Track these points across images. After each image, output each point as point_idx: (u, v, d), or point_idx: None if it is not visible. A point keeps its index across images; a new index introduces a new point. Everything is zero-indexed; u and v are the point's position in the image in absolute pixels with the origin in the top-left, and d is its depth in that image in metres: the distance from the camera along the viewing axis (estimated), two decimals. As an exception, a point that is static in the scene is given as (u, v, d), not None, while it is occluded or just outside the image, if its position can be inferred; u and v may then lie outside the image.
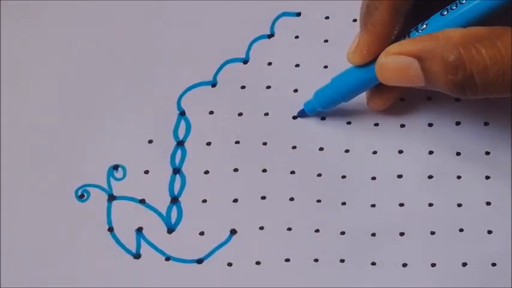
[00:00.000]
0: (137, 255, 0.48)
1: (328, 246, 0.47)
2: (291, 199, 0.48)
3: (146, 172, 0.49)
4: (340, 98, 0.47)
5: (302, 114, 0.49)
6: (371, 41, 0.43)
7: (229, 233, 0.48)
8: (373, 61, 0.44)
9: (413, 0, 0.43)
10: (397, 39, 0.43)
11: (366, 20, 0.43)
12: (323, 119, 0.49)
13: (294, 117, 0.50)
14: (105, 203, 0.49)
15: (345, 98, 0.47)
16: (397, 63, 0.41)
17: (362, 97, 0.48)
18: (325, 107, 0.48)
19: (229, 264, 0.47)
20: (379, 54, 0.43)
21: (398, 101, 0.49)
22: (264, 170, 0.49)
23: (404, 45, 0.42)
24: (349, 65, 0.46)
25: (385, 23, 0.43)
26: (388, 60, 0.42)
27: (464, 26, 0.40)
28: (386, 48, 0.42)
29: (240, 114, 0.50)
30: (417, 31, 0.43)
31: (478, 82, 0.39)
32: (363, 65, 0.44)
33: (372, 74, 0.44)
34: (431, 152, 0.48)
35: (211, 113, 0.50)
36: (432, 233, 0.47)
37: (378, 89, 0.46)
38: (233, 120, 0.50)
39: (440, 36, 0.40)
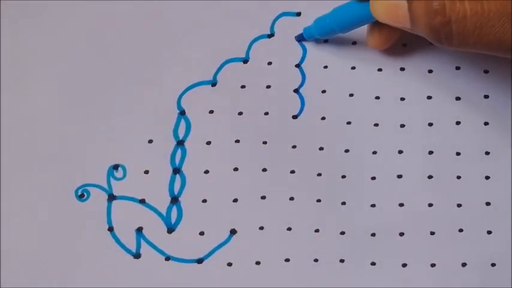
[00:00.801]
0: (137, 255, 0.48)
1: (328, 246, 0.47)
2: (291, 199, 0.48)
3: (146, 172, 0.49)
4: (338, 28, 0.48)
5: (300, 38, 0.50)
6: None
7: (229, 232, 0.48)
8: None
9: None
10: None
11: None
12: (323, 118, 0.49)
13: (294, 117, 0.49)
14: (105, 203, 0.49)
15: (342, 29, 0.48)
16: (389, 1, 0.43)
17: (366, 94, 0.49)
18: (323, 34, 0.49)
19: (229, 264, 0.47)
20: None
21: (398, 101, 0.49)
22: (264, 170, 0.49)
23: None
24: None
25: None
26: None
27: None
28: None
29: (240, 114, 0.50)
30: None
31: (454, 30, 0.40)
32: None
33: (368, 10, 0.45)
34: (431, 152, 0.48)
35: (211, 112, 0.50)
36: (432, 233, 0.47)
37: (377, 26, 0.47)
38: (233, 120, 0.50)
39: None
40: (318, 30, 0.49)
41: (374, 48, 0.49)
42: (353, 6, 0.47)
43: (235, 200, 0.48)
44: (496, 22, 0.39)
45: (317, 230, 0.47)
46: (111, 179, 0.49)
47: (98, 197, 0.49)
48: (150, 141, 0.50)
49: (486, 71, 0.49)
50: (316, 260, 0.47)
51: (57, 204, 0.49)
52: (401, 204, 0.47)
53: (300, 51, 0.51)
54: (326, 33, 0.49)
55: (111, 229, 0.48)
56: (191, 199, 0.48)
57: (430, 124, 0.49)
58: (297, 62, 0.51)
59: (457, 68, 0.50)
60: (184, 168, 0.49)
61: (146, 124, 0.50)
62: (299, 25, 0.52)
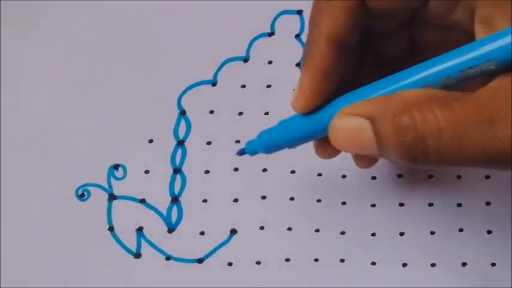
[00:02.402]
0: (137, 255, 0.48)
1: (328, 246, 0.47)
2: (291, 199, 0.48)
3: (147, 172, 0.49)
4: (285, 144, 0.41)
5: (242, 153, 0.44)
6: (313, 78, 0.38)
7: (229, 232, 0.48)
8: (321, 111, 0.39)
9: (356, 35, 0.39)
10: (347, 83, 0.40)
11: (306, 56, 0.39)
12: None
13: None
14: (106, 203, 0.49)
15: (290, 145, 0.42)
16: (349, 125, 0.36)
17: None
18: (268, 150, 0.42)
19: (230, 264, 0.47)
20: (324, 97, 0.39)
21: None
22: (264, 170, 0.49)
23: (357, 105, 0.36)
24: None
25: (325, 57, 0.38)
26: (340, 123, 0.37)
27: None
28: (340, 110, 0.37)
29: (241, 114, 0.50)
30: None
31: (431, 145, 0.34)
32: (311, 114, 0.39)
33: (320, 126, 0.39)
34: (431, 152, 0.48)
35: (211, 112, 0.50)
36: (432, 233, 0.47)
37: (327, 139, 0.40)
38: (233, 120, 0.50)
39: (395, 97, 0.35)
40: (262, 146, 0.42)
41: (324, 159, 0.43)
42: (301, 121, 0.40)
43: (235, 200, 0.48)
44: (476, 132, 0.33)
45: (317, 230, 0.47)
46: (112, 179, 0.49)
47: (99, 197, 0.49)
48: (151, 141, 0.50)
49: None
50: (316, 260, 0.47)
51: (57, 204, 0.49)
52: (401, 204, 0.47)
53: (301, 50, 0.51)
54: (272, 149, 0.42)
55: (111, 229, 0.48)
56: (191, 199, 0.48)
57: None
58: (297, 61, 0.51)
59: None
60: (185, 168, 0.49)
61: (146, 124, 0.50)
62: (299, 23, 0.52)
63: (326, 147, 0.41)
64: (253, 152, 0.43)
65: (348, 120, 0.36)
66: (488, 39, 0.34)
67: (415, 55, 0.40)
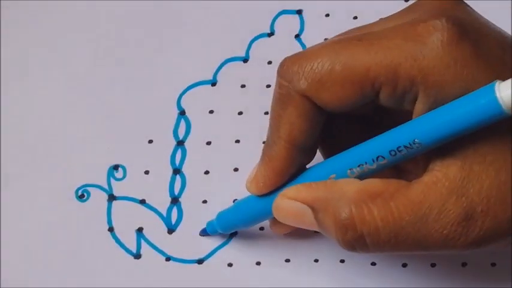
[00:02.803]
0: (137, 256, 0.48)
1: (328, 246, 0.47)
2: (291, 199, 0.48)
3: (146, 172, 0.49)
4: (241, 224, 0.45)
5: (204, 233, 0.48)
6: (267, 175, 0.41)
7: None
8: (274, 193, 0.42)
9: (313, 136, 0.41)
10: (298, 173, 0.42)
11: (264, 152, 0.42)
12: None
13: None
14: (105, 203, 0.49)
15: (246, 225, 0.45)
16: (292, 208, 0.40)
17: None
18: (226, 229, 0.46)
19: (230, 265, 0.47)
20: (277, 186, 0.42)
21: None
22: (264, 170, 0.48)
23: (300, 190, 0.40)
24: None
25: (282, 159, 0.41)
26: (283, 204, 0.40)
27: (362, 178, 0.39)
28: (283, 191, 0.41)
29: (240, 114, 0.50)
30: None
31: (369, 243, 0.38)
32: (264, 195, 0.42)
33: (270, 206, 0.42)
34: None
35: (211, 112, 0.50)
36: (432, 233, 0.47)
37: None
38: (233, 120, 0.50)
39: (335, 189, 0.38)
40: (220, 226, 0.46)
41: (278, 233, 0.46)
42: (255, 202, 0.43)
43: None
44: (411, 229, 0.37)
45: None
46: (111, 179, 0.49)
47: (98, 198, 0.49)
48: (150, 142, 0.50)
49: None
50: (316, 260, 0.47)
51: (57, 204, 0.49)
52: (401, 204, 0.47)
53: (301, 49, 0.51)
54: (228, 229, 0.46)
55: (111, 229, 0.48)
56: (191, 199, 0.48)
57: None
58: (297, 61, 0.51)
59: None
60: (185, 169, 0.49)
61: (146, 124, 0.50)
62: (299, 23, 0.52)
63: (280, 224, 0.43)
64: (214, 232, 0.47)
65: (291, 203, 0.40)
66: (415, 120, 0.37)
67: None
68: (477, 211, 0.36)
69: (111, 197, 0.49)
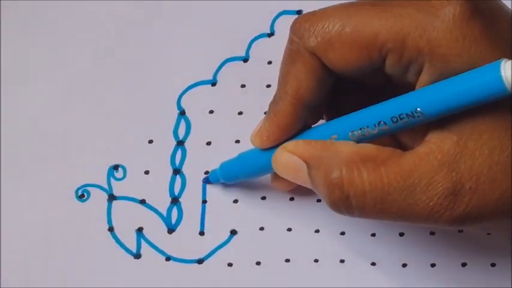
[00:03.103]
0: (137, 255, 0.48)
1: (328, 246, 0.47)
2: (291, 199, 0.48)
3: (146, 172, 0.49)
4: (243, 176, 0.46)
5: (207, 181, 0.49)
6: (271, 130, 0.42)
7: (229, 233, 0.48)
8: (276, 147, 0.42)
9: (320, 96, 0.41)
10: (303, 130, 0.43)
11: (270, 108, 0.42)
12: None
13: None
14: (105, 203, 0.49)
15: (248, 177, 0.46)
16: (289, 162, 0.41)
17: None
18: (228, 180, 0.47)
19: (230, 265, 0.47)
20: (279, 142, 0.42)
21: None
22: (264, 170, 0.49)
23: (299, 145, 0.40)
24: None
25: (287, 114, 0.41)
26: (282, 157, 0.41)
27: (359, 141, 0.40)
28: (284, 144, 0.41)
29: (240, 114, 0.50)
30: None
31: (354, 205, 0.38)
32: (267, 150, 0.43)
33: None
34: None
35: (211, 112, 0.50)
36: (432, 233, 0.47)
37: None
38: (233, 120, 0.50)
39: (332, 149, 0.39)
40: (223, 176, 0.47)
41: (278, 189, 0.47)
42: (258, 155, 0.44)
43: (235, 201, 0.48)
44: (398, 196, 0.37)
45: (317, 231, 0.47)
46: (111, 179, 0.49)
47: (98, 197, 0.49)
48: (150, 142, 0.50)
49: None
50: (316, 260, 0.47)
51: (57, 204, 0.49)
52: (401, 205, 0.47)
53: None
54: (231, 179, 0.47)
55: (111, 229, 0.48)
56: (191, 199, 0.48)
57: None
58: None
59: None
60: (185, 169, 0.49)
61: (146, 124, 0.50)
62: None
63: (280, 180, 0.44)
64: (216, 181, 0.48)
65: (288, 156, 0.40)
66: (419, 90, 0.38)
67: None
68: (465, 187, 0.36)
69: (111, 197, 0.49)
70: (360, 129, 0.39)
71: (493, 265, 0.46)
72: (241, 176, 0.46)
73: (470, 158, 0.36)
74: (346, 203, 0.38)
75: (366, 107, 0.40)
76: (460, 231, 0.47)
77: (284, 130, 0.42)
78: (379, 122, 0.39)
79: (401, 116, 0.38)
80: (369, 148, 0.39)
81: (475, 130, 0.37)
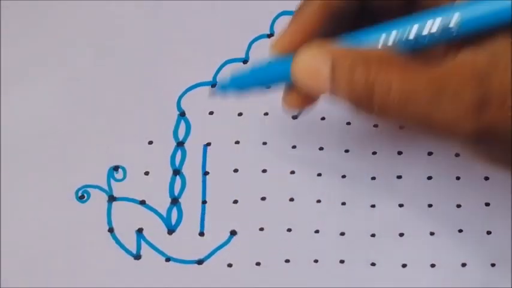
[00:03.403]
0: (137, 256, 0.48)
1: (328, 246, 0.47)
2: (291, 199, 0.48)
3: (146, 173, 0.49)
4: (255, 83, 0.43)
5: (214, 93, 0.46)
6: (295, 35, 0.40)
7: (229, 234, 0.48)
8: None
9: (349, 11, 0.40)
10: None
11: (296, 14, 0.41)
12: (323, 119, 0.49)
13: (294, 117, 0.50)
14: (105, 204, 0.49)
15: (259, 84, 0.43)
16: (311, 63, 0.38)
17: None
18: (238, 88, 0.43)
19: (230, 265, 0.47)
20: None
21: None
22: (264, 171, 0.49)
23: (325, 45, 0.39)
24: None
25: (313, 21, 0.40)
26: (305, 57, 0.39)
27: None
28: (308, 44, 0.39)
29: (240, 114, 0.50)
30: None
31: (376, 101, 0.36)
32: (284, 57, 0.41)
33: (288, 67, 0.41)
34: (430, 153, 0.48)
35: (211, 113, 0.50)
36: (432, 233, 0.47)
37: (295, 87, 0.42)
38: (233, 121, 0.50)
39: (359, 50, 0.38)
40: (233, 82, 0.43)
41: (290, 109, 0.44)
42: (273, 63, 0.42)
43: (235, 201, 0.48)
44: (423, 99, 0.36)
45: (317, 231, 0.47)
46: (111, 180, 0.49)
47: (98, 198, 0.49)
48: (150, 143, 0.50)
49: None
50: (316, 261, 0.47)
51: (57, 205, 0.49)
52: (401, 205, 0.47)
53: (300, 50, 0.51)
54: (241, 86, 0.43)
55: (111, 230, 0.48)
56: (191, 200, 0.48)
57: (430, 124, 0.49)
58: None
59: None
60: (184, 170, 0.49)
61: (146, 125, 0.50)
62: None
63: (292, 94, 0.42)
64: (223, 89, 0.43)
65: (311, 57, 0.38)
66: (457, 4, 0.37)
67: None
68: (492, 102, 0.35)
69: (111, 198, 0.49)
70: (392, 38, 0.38)
71: (492, 265, 0.46)
72: (253, 83, 0.43)
73: (502, 74, 0.35)
74: (368, 99, 0.36)
75: (397, 18, 0.38)
76: (460, 231, 0.47)
77: (307, 36, 0.40)
78: (411, 32, 0.37)
79: (438, 28, 0.37)
80: (399, 56, 0.37)
81: (509, 47, 0.36)
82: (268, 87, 0.43)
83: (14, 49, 0.52)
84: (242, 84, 0.43)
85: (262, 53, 0.51)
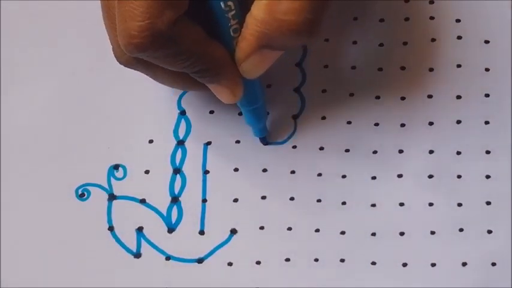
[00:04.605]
0: (137, 255, 0.48)
1: (328, 246, 0.47)
2: (291, 199, 0.48)
3: (147, 172, 0.49)
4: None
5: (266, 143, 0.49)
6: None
7: (229, 232, 0.48)
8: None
9: None
10: None
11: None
12: (323, 118, 0.49)
13: (294, 116, 0.50)
14: (106, 203, 0.49)
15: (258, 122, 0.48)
16: (254, 60, 0.42)
17: (366, 94, 0.49)
18: (259, 122, 0.48)
19: (230, 264, 0.47)
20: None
21: (399, 100, 0.49)
22: (264, 170, 0.49)
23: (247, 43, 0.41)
24: None
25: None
26: (248, 65, 0.43)
27: None
28: (239, 63, 0.43)
29: (241, 114, 0.50)
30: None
31: None
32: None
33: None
34: (431, 151, 0.48)
35: (211, 112, 0.50)
36: (432, 232, 0.47)
37: None
38: (233, 120, 0.50)
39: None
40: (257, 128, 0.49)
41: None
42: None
43: (235, 200, 0.48)
44: None
45: (317, 230, 0.47)
46: (112, 179, 0.49)
47: (99, 197, 0.49)
48: (151, 141, 0.50)
49: (487, 69, 0.49)
50: (316, 260, 0.47)
51: (57, 203, 0.49)
52: (401, 204, 0.47)
53: (301, 50, 0.51)
54: (258, 121, 0.48)
55: (111, 229, 0.48)
56: (191, 199, 0.48)
57: (431, 123, 0.49)
58: (297, 61, 0.51)
59: (458, 66, 0.49)
60: (185, 168, 0.49)
61: (147, 124, 0.50)
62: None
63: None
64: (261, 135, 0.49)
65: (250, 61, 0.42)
66: None
67: None
68: None
69: (112, 197, 0.49)
70: None
71: (493, 265, 0.46)
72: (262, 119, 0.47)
73: None
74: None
75: None
76: (461, 230, 0.47)
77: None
78: None
79: None
80: None
81: None
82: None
83: (14, 49, 0.52)
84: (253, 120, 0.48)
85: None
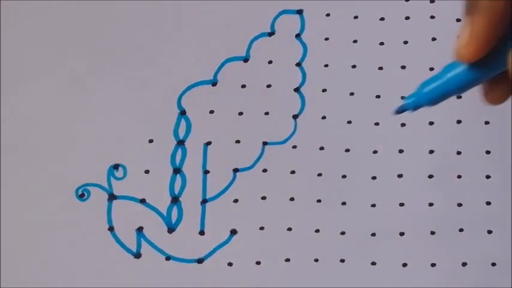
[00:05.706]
0: (137, 255, 0.48)
1: (328, 246, 0.47)
2: (291, 199, 0.48)
3: (147, 172, 0.49)
4: (452, 91, 0.39)
5: (401, 111, 0.40)
6: (489, 22, 0.35)
7: (229, 233, 0.48)
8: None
9: None
10: None
11: (473, 15, 0.36)
12: (323, 118, 0.49)
13: (294, 116, 0.49)
14: (106, 203, 0.49)
15: (457, 91, 0.39)
16: None
17: (366, 93, 0.49)
18: (433, 101, 0.39)
19: (230, 264, 0.47)
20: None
21: (399, 100, 0.49)
22: (264, 170, 0.49)
23: None
24: None
25: (497, 22, 0.35)
26: None
27: None
28: None
29: (241, 114, 0.50)
30: None
31: None
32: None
33: (492, 65, 0.37)
34: (431, 152, 0.48)
35: (211, 112, 0.50)
36: (432, 232, 0.47)
37: (494, 81, 0.38)
38: (233, 120, 0.50)
39: None
40: (425, 98, 0.39)
41: (492, 104, 0.40)
42: (465, 68, 0.38)
43: (235, 200, 0.48)
44: None
45: (317, 230, 0.47)
46: (112, 179, 0.49)
47: (99, 197, 0.49)
48: (151, 141, 0.50)
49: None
50: (316, 260, 0.47)
51: (57, 204, 0.49)
52: (401, 204, 0.47)
53: (301, 49, 0.51)
54: (435, 99, 0.39)
55: (111, 229, 0.48)
56: (191, 199, 0.48)
57: (431, 123, 0.49)
58: (297, 61, 0.51)
59: (458, 66, 0.49)
60: (185, 168, 0.49)
61: (147, 124, 0.50)
62: (300, 23, 0.52)
63: (496, 90, 0.39)
64: (416, 106, 0.40)
65: None
66: None
67: None
68: None
69: (112, 196, 0.49)
70: None
71: (493, 265, 0.46)
72: (449, 91, 0.39)
73: None
74: None
75: None
76: (461, 230, 0.47)
77: (495, 38, 0.36)
78: None
79: None
80: None
81: None
82: (464, 91, 0.39)
83: (14, 49, 0.52)
84: (436, 94, 0.39)
85: (263, 51, 0.51)
